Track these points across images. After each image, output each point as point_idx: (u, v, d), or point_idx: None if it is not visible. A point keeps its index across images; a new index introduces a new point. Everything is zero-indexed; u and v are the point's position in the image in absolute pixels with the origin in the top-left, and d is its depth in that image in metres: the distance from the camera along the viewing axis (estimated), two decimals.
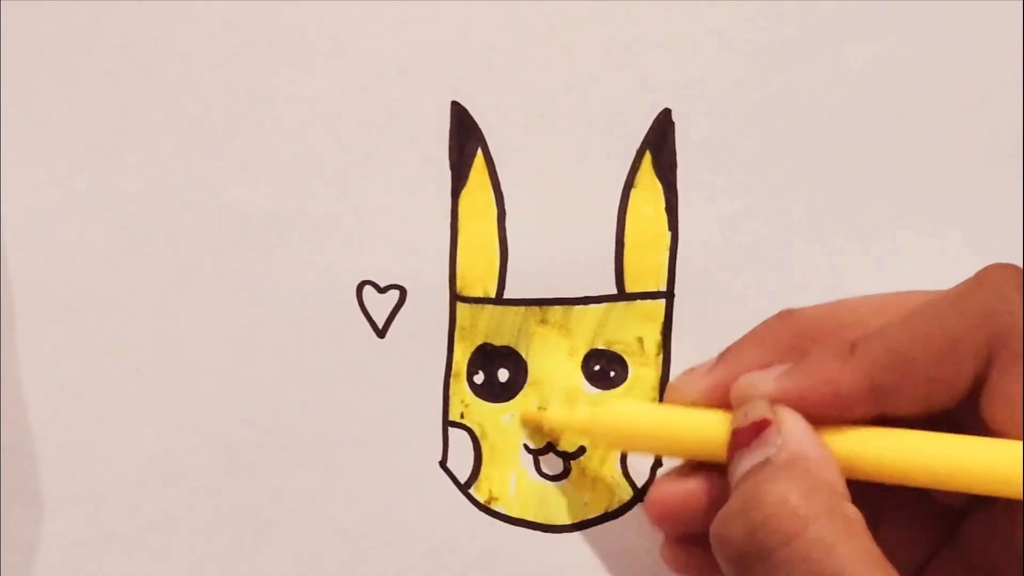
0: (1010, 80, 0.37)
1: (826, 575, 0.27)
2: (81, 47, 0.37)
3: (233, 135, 0.37)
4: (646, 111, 0.37)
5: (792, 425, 0.30)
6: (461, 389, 0.37)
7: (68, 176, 0.37)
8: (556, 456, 0.37)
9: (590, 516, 0.37)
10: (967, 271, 0.31)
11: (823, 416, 0.30)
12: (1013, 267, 0.30)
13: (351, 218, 0.37)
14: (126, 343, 0.37)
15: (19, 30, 0.37)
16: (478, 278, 0.37)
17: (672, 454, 0.34)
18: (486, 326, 0.37)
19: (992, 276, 0.30)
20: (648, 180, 0.37)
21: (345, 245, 0.37)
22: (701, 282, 0.37)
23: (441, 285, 0.37)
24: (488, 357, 0.37)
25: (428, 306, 0.37)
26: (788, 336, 0.33)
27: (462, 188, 0.37)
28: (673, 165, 0.37)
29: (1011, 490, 0.29)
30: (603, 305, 0.37)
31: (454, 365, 0.37)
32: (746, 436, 0.30)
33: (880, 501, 0.32)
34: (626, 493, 0.37)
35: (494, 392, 0.37)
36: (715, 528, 0.29)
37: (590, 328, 0.37)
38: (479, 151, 0.37)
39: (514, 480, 0.37)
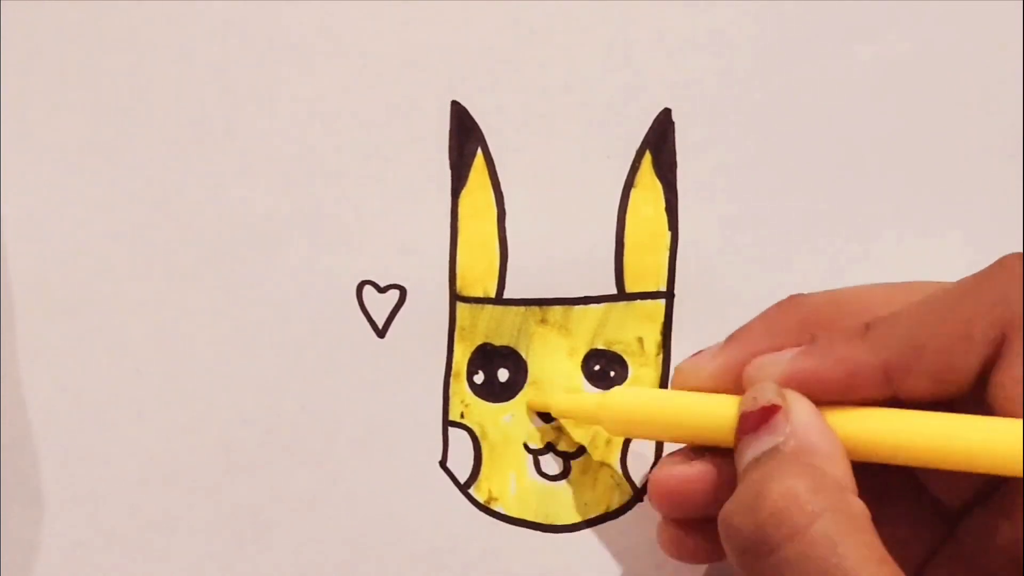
0: (1010, 80, 0.37)
1: (831, 570, 0.27)
2: (81, 47, 0.37)
3: (233, 135, 0.37)
4: (646, 111, 0.37)
5: (800, 412, 0.30)
6: (461, 389, 0.37)
7: (68, 176, 0.37)
8: (556, 456, 0.37)
9: (590, 516, 0.37)
10: (967, 271, 0.31)
11: (834, 398, 0.30)
12: None
13: (351, 218, 0.37)
14: (126, 343, 0.37)
15: (19, 30, 0.37)
16: (478, 278, 0.37)
17: (679, 439, 0.33)
18: (486, 326, 0.37)
19: (1009, 264, 0.30)
20: (648, 180, 0.37)
21: (345, 245, 0.37)
22: (701, 282, 0.37)
23: (441, 285, 0.37)
24: (488, 357, 0.37)
25: (428, 306, 0.37)
26: (796, 320, 0.33)
27: (462, 188, 0.37)
28: (673, 165, 0.37)
29: (1015, 468, 0.29)
30: (603, 305, 0.37)
31: (454, 365, 0.37)
32: (754, 421, 0.30)
33: (883, 497, 0.32)
34: (626, 493, 0.37)
35: (494, 392, 0.37)
36: (723, 518, 0.29)
37: (590, 328, 0.37)
38: (479, 151, 0.37)
39: (514, 480, 0.37)
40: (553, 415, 0.37)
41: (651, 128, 0.37)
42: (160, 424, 0.37)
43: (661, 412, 0.33)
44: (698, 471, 0.32)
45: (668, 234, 0.37)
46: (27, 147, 0.37)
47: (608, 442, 0.37)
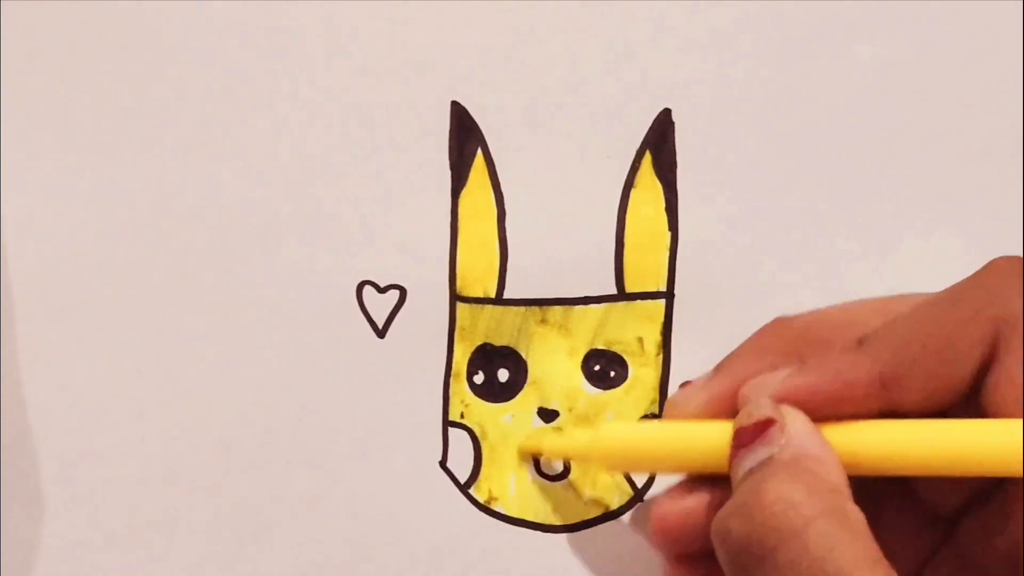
0: (1010, 80, 0.37)
1: (827, 574, 0.27)
2: (81, 47, 0.37)
3: (233, 135, 0.37)
4: (646, 111, 0.37)
5: (796, 424, 0.30)
6: (461, 389, 0.37)
7: (68, 176, 0.37)
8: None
9: (590, 516, 0.37)
10: (967, 271, 0.31)
11: (831, 413, 0.30)
12: (1020, 259, 0.30)
13: (351, 218, 0.37)
14: (126, 343, 0.37)
15: (19, 30, 0.37)
16: (478, 278, 0.37)
17: (676, 470, 0.33)
18: (486, 326, 0.37)
19: (999, 267, 0.30)
20: (648, 180, 0.37)
21: (345, 245, 0.37)
22: (701, 282, 0.37)
23: (441, 285, 0.37)
24: (488, 357, 0.37)
25: (428, 306, 0.37)
26: (784, 342, 0.32)
27: (462, 188, 0.37)
28: (673, 165, 0.37)
29: (1016, 468, 0.29)
30: (603, 305, 0.37)
31: (454, 365, 0.37)
32: (749, 435, 0.30)
33: (878, 505, 0.32)
34: (626, 493, 0.37)
35: (494, 392, 0.37)
36: (715, 524, 0.29)
37: (590, 328, 0.37)
38: (479, 151, 0.37)
39: (514, 480, 0.37)
40: (545, 456, 0.36)
41: (651, 128, 0.37)
42: (160, 424, 0.37)
43: (655, 444, 0.32)
44: (698, 502, 0.32)
45: (668, 234, 0.37)
46: (27, 147, 0.37)
47: None
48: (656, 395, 0.37)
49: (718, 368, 0.33)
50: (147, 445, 0.37)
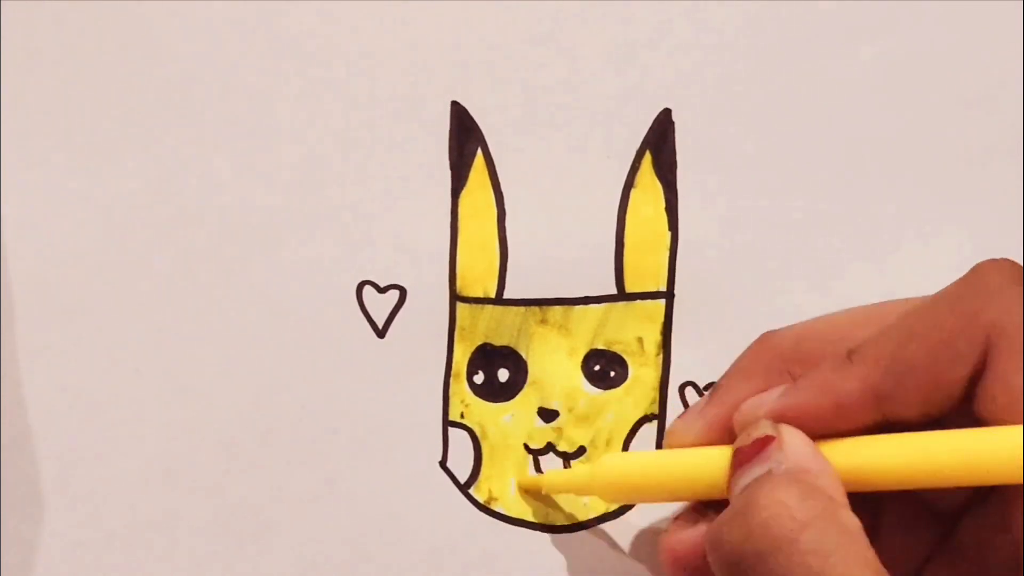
0: (1010, 80, 0.37)
1: None
2: (81, 47, 0.37)
3: (233, 135, 0.37)
4: (646, 111, 0.37)
5: (793, 441, 0.30)
6: (461, 389, 0.37)
7: (68, 176, 0.37)
8: (556, 456, 0.37)
9: (590, 516, 0.37)
10: (967, 271, 0.31)
11: (826, 429, 0.30)
12: (1007, 261, 0.30)
13: (351, 218, 0.37)
14: (126, 343, 0.37)
15: (19, 30, 0.37)
16: (478, 278, 0.37)
17: (678, 498, 0.33)
18: (486, 326, 0.37)
19: (985, 271, 0.30)
20: (648, 180, 0.37)
21: (345, 245, 0.37)
22: (701, 282, 0.37)
23: (441, 285, 0.37)
24: (488, 357, 0.37)
25: (428, 306, 0.37)
26: (773, 360, 0.32)
27: (462, 188, 0.37)
28: (673, 165, 0.37)
29: (1015, 476, 0.29)
30: (603, 305, 0.37)
31: (454, 365, 0.37)
32: (748, 453, 0.30)
33: (877, 508, 0.32)
34: None
35: (494, 392, 0.37)
36: (710, 533, 0.29)
37: (590, 328, 0.37)
38: (479, 151, 0.37)
39: (514, 480, 0.37)
40: (544, 492, 0.36)
41: (651, 128, 0.37)
42: (160, 424, 0.37)
43: (655, 474, 0.33)
44: (704, 531, 0.31)
45: (668, 234, 0.37)
46: (27, 147, 0.37)
47: (608, 442, 0.37)
48: (656, 395, 0.37)
49: (711, 394, 0.33)
50: (147, 445, 0.37)
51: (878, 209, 0.37)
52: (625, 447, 0.37)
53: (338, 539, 0.37)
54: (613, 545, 0.37)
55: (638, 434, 0.37)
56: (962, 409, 0.30)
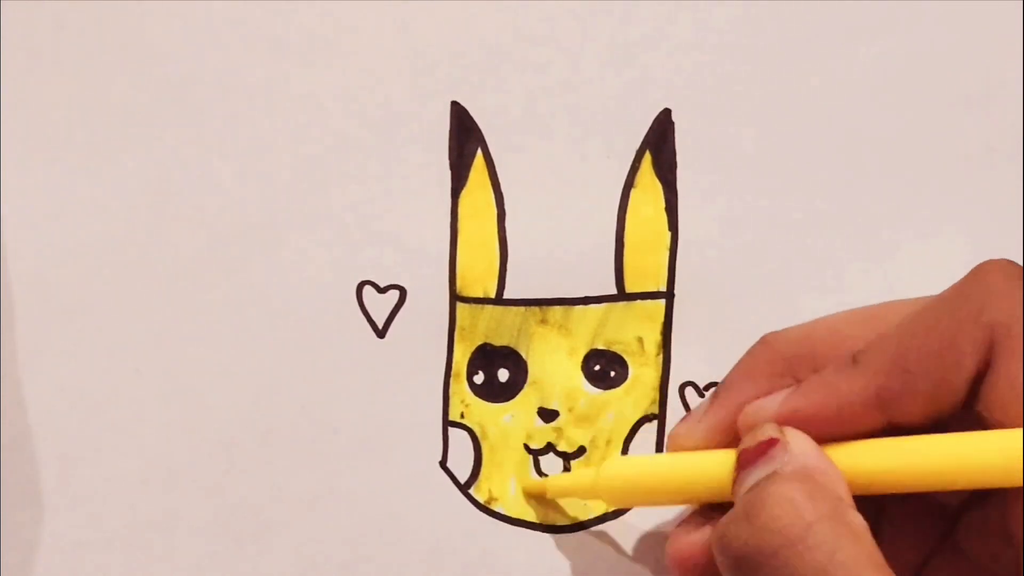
0: (1010, 80, 0.37)
1: None
2: (81, 47, 0.37)
3: (233, 135, 0.37)
4: (646, 111, 0.37)
5: (798, 443, 0.30)
6: (461, 389, 0.37)
7: (68, 176, 0.37)
8: (556, 456, 0.37)
9: (590, 516, 0.37)
10: (967, 271, 0.31)
11: (830, 432, 0.30)
12: (1008, 261, 0.30)
13: (351, 218, 0.37)
14: (126, 343, 0.37)
15: (19, 30, 0.37)
16: (478, 278, 0.37)
17: (683, 502, 0.33)
18: (486, 326, 0.37)
19: (986, 271, 0.30)
20: (648, 180, 0.37)
21: (345, 245, 0.37)
22: (701, 282, 0.37)
23: (441, 285, 0.37)
24: (488, 357, 0.37)
25: (428, 306, 0.37)
26: (776, 363, 0.32)
27: (462, 188, 0.37)
28: (673, 165, 0.37)
29: (1016, 479, 0.29)
30: (603, 305, 0.37)
31: (454, 365, 0.37)
32: (752, 455, 0.30)
33: (879, 507, 0.32)
34: None
35: (494, 392, 0.37)
36: (716, 533, 0.29)
37: (590, 328, 0.37)
38: (479, 151, 0.37)
39: (514, 480, 0.37)
40: (549, 496, 0.36)
41: (651, 128, 0.37)
42: (160, 424, 0.37)
43: (660, 477, 0.33)
44: (709, 535, 0.31)
45: (668, 234, 0.37)
46: (27, 147, 0.37)
47: (608, 442, 0.37)
48: (656, 395, 0.37)
49: (714, 397, 0.33)
50: (147, 445, 0.37)
51: (878, 209, 0.37)
52: (625, 447, 0.37)
53: (338, 539, 0.37)
54: (613, 545, 0.37)
55: (638, 434, 0.37)
56: (966, 410, 0.30)
